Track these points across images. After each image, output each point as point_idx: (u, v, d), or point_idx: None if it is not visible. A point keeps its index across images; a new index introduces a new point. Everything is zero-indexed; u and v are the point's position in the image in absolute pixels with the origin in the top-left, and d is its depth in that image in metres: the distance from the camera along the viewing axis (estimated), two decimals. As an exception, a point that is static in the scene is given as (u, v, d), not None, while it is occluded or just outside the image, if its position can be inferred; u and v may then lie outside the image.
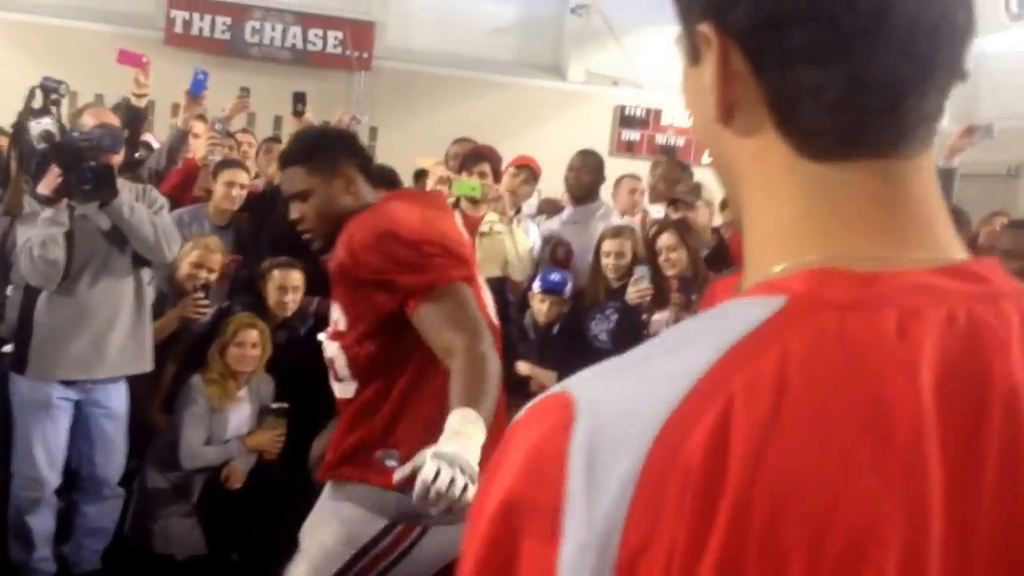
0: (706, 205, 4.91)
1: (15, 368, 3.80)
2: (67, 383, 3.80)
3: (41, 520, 3.85)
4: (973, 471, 0.57)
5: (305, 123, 5.53)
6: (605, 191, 5.40)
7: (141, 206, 3.76)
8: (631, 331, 4.45)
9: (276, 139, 6.35)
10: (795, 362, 0.59)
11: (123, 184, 3.73)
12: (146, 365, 3.94)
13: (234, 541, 4.26)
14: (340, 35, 10.58)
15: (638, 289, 4.33)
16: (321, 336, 2.53)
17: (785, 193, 0.66)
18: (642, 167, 6.65)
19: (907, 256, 0.63)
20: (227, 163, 4.92)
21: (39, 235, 3.58)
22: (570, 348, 4.40)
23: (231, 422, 4.20)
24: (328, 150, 2.45)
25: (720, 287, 4.27)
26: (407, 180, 5.73)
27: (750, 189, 0.69)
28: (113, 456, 3.95)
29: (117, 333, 3.82)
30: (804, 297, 0.62)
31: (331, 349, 2.44)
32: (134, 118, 4.87)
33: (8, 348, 3.87)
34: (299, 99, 5.60)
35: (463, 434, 1.86)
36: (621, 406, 0.61)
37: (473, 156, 4.82)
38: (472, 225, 4.62)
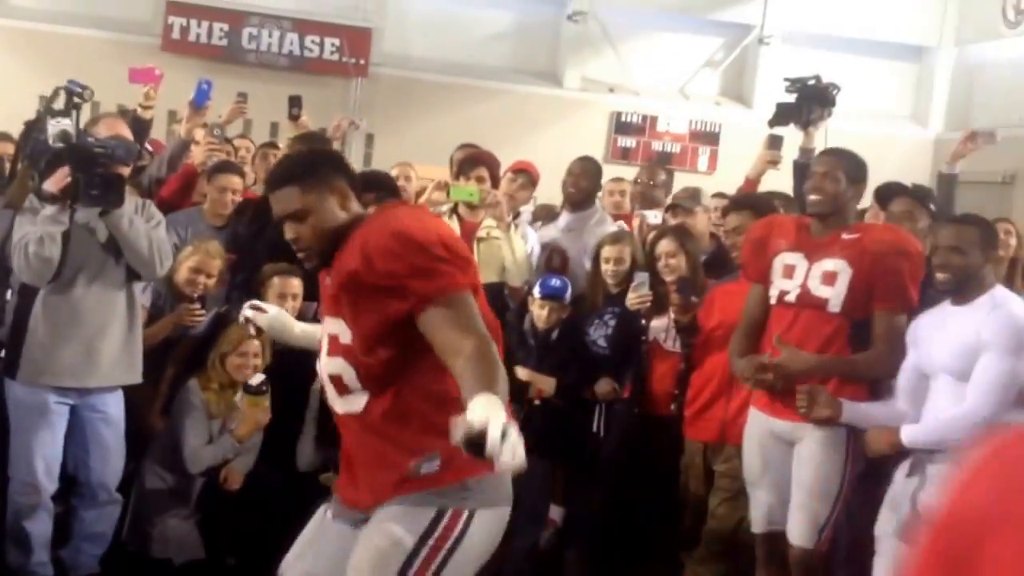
0: (704, 211, 4.92)
1: (7, 372, 3.80)
2: (61, 389, 3.80)
3: (38, 525, 3.84)
4: None
5: (301, 127, 5.53)
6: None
7: (140, 219, 3.79)
8: (630, 337, 4.46)
9: (272, 145, 6.33)
10: None
11: (126, 196, 3.75)
12: (136, 377, 3.95)
13: (231, 545, 4.26)
14: (337, 42, 10.59)
15: (638, 295, 4.34)
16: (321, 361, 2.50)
17: None
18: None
19: None
20: (221, 167, 4.91)
21: (37, 231, 3.60)
22: (569, 353, 4.41)
23: (230, 426, 4.20)
24: (320, 168, 2.45)
25: (719, 293, 4.30)
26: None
27: None
28: (110, 461, 3.95)
29: (108, 343, 3.82)
30: None
31: (334, 365, 2.42)
32: (140, 130, 4.88)
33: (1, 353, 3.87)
34: (295, 102, 5.59)
35: (491, 402, 1.92)
36: None
37: (471, 161, 4.82)
38: (470, 230, 4.63)
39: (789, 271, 3.65)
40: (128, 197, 3.77)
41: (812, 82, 4.79)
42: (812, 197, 3.64)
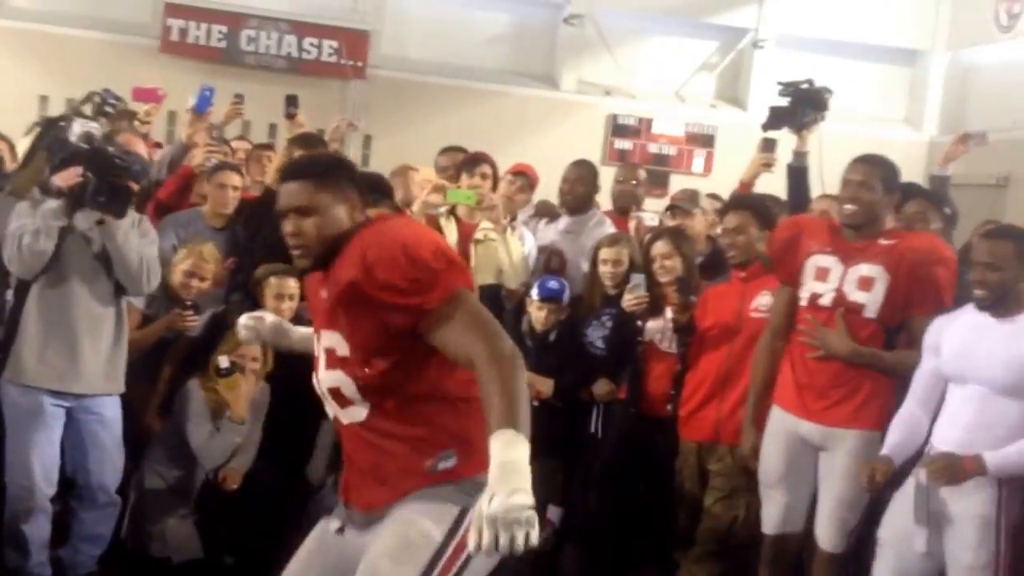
0: (703, 213, 4.94)
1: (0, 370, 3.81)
2: (57, 392, 3.81)
3: (36, 527, 3.85)
4: None
5: (298, 125, 5.55)
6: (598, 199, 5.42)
7: (134, 234, 3.81)
8: (627, 338, 4.48)
9: (266, 147, 6.33)
10: None
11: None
12: (118, 388, 3.96)
13: (230, 545, 4.26)
14: (335, 44, 10.60)
15: (634, 297, 4.35)
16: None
17: None
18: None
19: None
20: (219, 166, 4.92)
21: (35, 224, 3.63)
22: (567, 355, 4.42)
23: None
24: (338, 172, 2.47)
25: (712, 294, 4.32)
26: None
27: None
28: (109, 463, 3.95)
29: (93, 351, 3.84)
30: None
31: (332, 378, 2.40)
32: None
33: None
34: (291, 101, 5.59)
35: (510, 465, 1.93)
36: None
37: (473, 159, 4.86)
38: (467, 232, 4.65)
39: (823, 274, 3.62)
40: (128, 213, 3.80)
41: (805, 86, 4.81)
42: (848, 207, 3.59)
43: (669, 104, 11.64)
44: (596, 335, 4.50)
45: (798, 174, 4.69)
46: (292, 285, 4.30)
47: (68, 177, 3.61)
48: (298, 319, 4.43)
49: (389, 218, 2.51)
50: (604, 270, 4.52)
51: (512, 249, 4.55)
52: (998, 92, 10.95)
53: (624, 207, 5.23)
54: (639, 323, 4.44)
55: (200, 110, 4.97)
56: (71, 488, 3.98)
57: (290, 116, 5.59)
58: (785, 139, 4.97)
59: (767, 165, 5.11)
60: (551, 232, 5.08)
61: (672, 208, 4.97)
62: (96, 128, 3.78)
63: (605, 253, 4.53)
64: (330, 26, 10.59)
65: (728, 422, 4.07)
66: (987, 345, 3.20)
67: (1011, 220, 9.03)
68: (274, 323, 2.92)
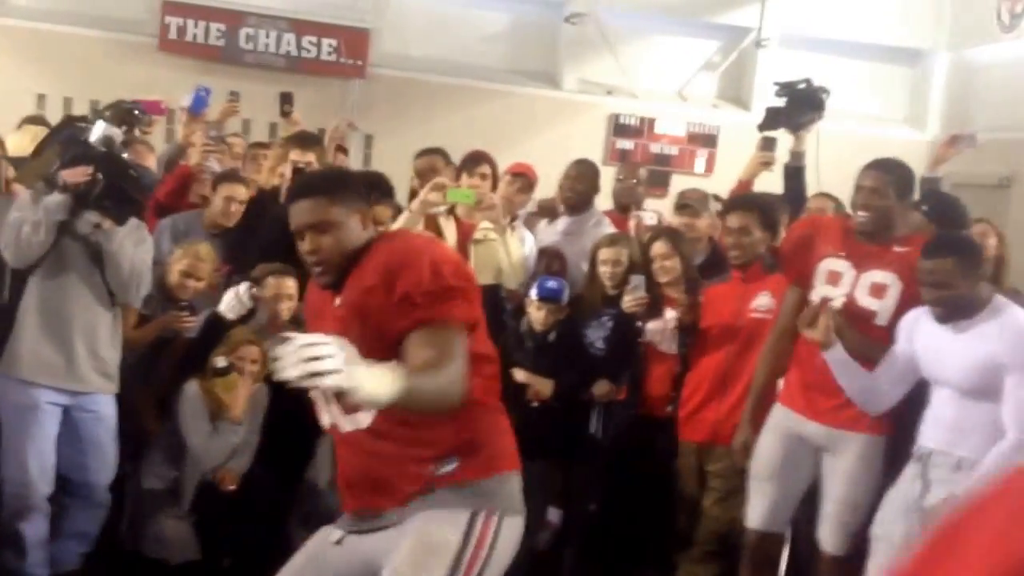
0: (711, 216, 4.91)
1: None
2: (53, 389, 3.81)
3: (33, 527, 3.84)
4: None
5: (293, 123, 5.52)
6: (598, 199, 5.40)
7: (129, 242, 3.83)
8: (627, 339, 4.46)
9: (263, 145, 6.29)
10: None
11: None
12: (112, 388, 3.96)
13: (227, 546, 4.24)
14: (335, 42, 10.57)
15: (634, 298, 4.33)
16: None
17: None
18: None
19: None
20: (227, 176, 4.89)
21: (36, 216, 3.64)
22: (566, 355, 4.40)
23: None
24: (350, 186, 2.50)
25: (711, 295, 4.30)
26: (403, 187, 5.70)
27: None
28: (104, 461, 3.95)
29: (91, 350, 3.85)
30: None
31: None
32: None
33: None
34: (286, 99, 5.57)
35: (369, 370, 1.95)
36: None
37: (473, 159, 4.83)
38: (467, 232, 4.63)
39: (835, 278, 3.59)
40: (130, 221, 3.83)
41: (802, 86, 4.80)
42: (860, 214, 3.56)
43: (671, 104, 11.61)
44: (596, 335, 4.48)
45: (795, 174, 4.69)
46: (291, 285, 4.28)
47: (77, 175, 3.63)
48: (295, 321, 4.42)
49: (408, 233, 2.55)
50: (604, 270, 4.50)
51: (512, 249, 4.53)
52: (1000, 92, 10.92)
53: (624, 206, 5.20)
54: (639, 324, 4.42)
55: (196, 111, 4.94)
56: (63, 485, 3.95)
57: (285, 114, 5.56)
58: (783, 138, 4.97)
59: (767, 164, 5.09)
60: (551, 233, 5.05)
61: (682, 206, 4.93)
62: (118, 134, 3.83)
63: (605, 253, 4.51)
64: (330, 24, 10.55)
65: (727, 423, 4.05)
66: (950, 348, 3.22)
67: (1014, 220, 9.02)
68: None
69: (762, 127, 4.93)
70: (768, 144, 5.08)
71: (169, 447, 4.20)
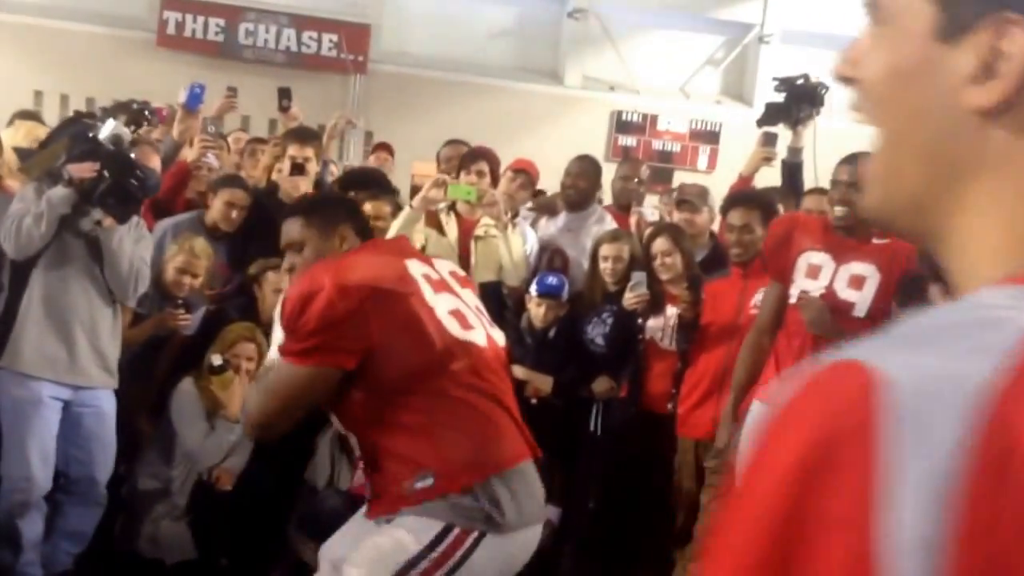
0: (710, 211, 4.90)
1: None
2: (55, 384, 3.78)
3: (30, 524, 3.81)
4: None
5: (291, 118, 5.48)
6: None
7: (128, 241, 3.83)
8: (627, 336, 4.43)
9: (262, 140, 6.25)
10: None
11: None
12: (112, 383, 3.95)
13: (224, 546, 4.21)
14: (335, 38, 10.54)
15: (635, 295, 4.31)
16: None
17: None
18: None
19: None
20: (228, 181, 4.84)
21: (39, 208, 3.64)
22: (566, 352, 4.37)
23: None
24: (329, 208, 2.59)
25: (711, 291, 4.28)
26: (404, 183, 5.69)
27: (993, 185, 0.66)
28: (104, 457, 3.93)
29: (92, 345, 3.84)
30: None
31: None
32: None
33: None
34: (284, 94, 5.53)
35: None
36: (930, 373, 0.56)
37: (471, 156, 4.79)
38: (468, 228, 4.60)
39: (814, 271, 3.61)
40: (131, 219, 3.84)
41: (800, 81, 4.80)
42: (838, 210, 3.58)
43: (674, 100, 11.59)
44: (596, 332, 4.45)
45: (793, 169, 4.69)
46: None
47: (84, 170, 3.64)
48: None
49: (351, 256, 2.49)
50: (605, 266, 4.48)
51: (513, 246, 4.51)
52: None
53: (625, 203, 5.17)
54: (640, 321, 4.39)
55: (190, 107, 4.91)
56: (60, 481, 3.93)
57: (284, 109, 5.52)
58: (782, 134, 4.97)
59: (767, 159, 5.10)
60: (551, 229, 5.01)
61: (681, 202, 4.92)
62: (127, 133, 3.88)
63: (606, 249, 4.49)
64: (330, 20, 10.54)
65: (726, 419, 4.04)
66: None
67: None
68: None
69: (761, 122, 4.93)
70: (769, 139, 5.09)
71: (164, 446, 4.18)
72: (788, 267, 3.67)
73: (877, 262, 3.50)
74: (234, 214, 4.64)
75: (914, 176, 0.69)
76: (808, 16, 11.39)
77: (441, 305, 2.43)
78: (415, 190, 5.14)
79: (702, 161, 11.41)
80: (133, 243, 3.86)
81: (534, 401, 4.29)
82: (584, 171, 5.03)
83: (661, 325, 4.37)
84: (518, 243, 4.56)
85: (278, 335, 2.92)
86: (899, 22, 0.68)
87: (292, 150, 4.79)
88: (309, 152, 4.82)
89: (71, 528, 3.96)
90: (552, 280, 4.39)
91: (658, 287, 4.36)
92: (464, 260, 4.54)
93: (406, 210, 4.40)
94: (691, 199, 4.91)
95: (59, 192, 3.65)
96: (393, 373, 2.33)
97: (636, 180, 5.32)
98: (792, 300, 3.65)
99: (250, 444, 4.25)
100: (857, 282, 3.52)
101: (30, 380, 3.77)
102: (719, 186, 5.95)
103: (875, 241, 3.54)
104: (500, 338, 2.61)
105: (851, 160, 3.64)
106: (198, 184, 5.08)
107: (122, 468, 4.09)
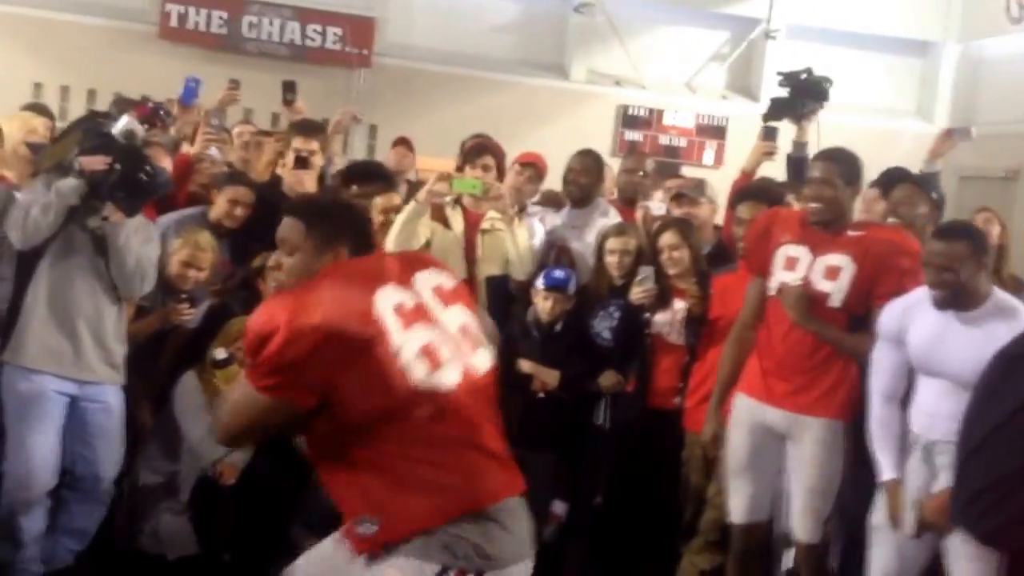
0: (709, 203, 4.88)
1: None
2: (61, 379, 3.77)
3: (32, 520, 3.79)
4: None
5: (296, 112, 5.46)
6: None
7: (135, 238, 3.82)
8: (634, 330, 4.41)
9: (267, 133, 6.23)
10: None
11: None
12: (118, 379, 3.93)
13: (226, 541, 4.20)
14: (339, 31, 10.51)
15: (643, 289, 4.30)
16: None
17: None
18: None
19: None
20: (232, 178, 4.81)
21: (48, 198, 3.65)
22: (573, 346, 4.36)
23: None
24: (335, 223, 2.46)
25: (718, 285, 4.26)
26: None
27: None
28: (111, 454, 3.91)
29: (97, 340, 3.83)
30: None
31: None
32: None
33: None
34: (288, 87, 5.52)
35: None
36: None
37: (476, 149, 4.76)
38: (474, 222, 4.59)
39: (792, 263, 3.67)
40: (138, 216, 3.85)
41: (804, 76, 4.81)
42: (813, 205, 3.66)
43: (680, 95, 11.56)
44: (603, 326, 4.44)
45: (798, 164, 4.72)
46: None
47: (95, 162, 3.65)
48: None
49: (317, 287, 2.33)
50: (611, 260, 4.46)
51: (519, 240, 4.50)
52: (1009, 84, 10.92)
53: (631, 197, 5.15)
54: (647, 315, 4.37)
55: (186, 102, 4.90)
56: (65, 478, 3.89)
57: (288, 103, 5.51)
58: (786, 128, 4.98)
59: (769, 154, 5.11)
60: (557, 220, 4.98)
61: (679, 197, 4.91)
62: (141, 130, 3.90)
63: (612, 243, 4.48)
64: (334, 12, 10.50)
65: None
66: (952, 342, 3.23)
67: (1020, 212, 8.93)
68: None
69: (767, 117, 4.95)
70: (769, 134, 5.14)
71: (166, 440, 4.16)
72: (767, 261, 3.73)
73: (852, 253, 3.56)
74: (238, 211, 4.62)
75: None
76: (814, 11, 11.37)
77: (410, 344, 2.27)
78: (420, 184, 5.11)
79: (708, 156, 11.38)
80: (141, 243, 3.85)
81: (541, 395, 4.28)
82: (586, 167, 4.99)
83: (668, 319, 4.35)
84: (524, 236, 4.54)
85: None
86: None
87: (296, 143, 4.77)
88: (314, 145, 4.80)
89: (74, 525, 3.94)
90: (559, 274, 4.38)
91: (665, 281, 4.35)
92: (470, 254, 4.52)
93: (411, 204, 4.38)
94: (687, 192, 4.92)
95: (69, 182, 3.65)
96: (354, 416, 2.24)
97: (641, 173, 5.30)
98: (771, 292, 3.70)
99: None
100: (832, 273, 3.58)
101: (34, 374, 3.75)
102: (726, 181, 5.93)
103: (850, 233, 3.61)
104: (483, 362, 2.42)
105: (823, 156, 3.76)
106: (201, 177, 5.05)
107: (124, 463, 4.07)
